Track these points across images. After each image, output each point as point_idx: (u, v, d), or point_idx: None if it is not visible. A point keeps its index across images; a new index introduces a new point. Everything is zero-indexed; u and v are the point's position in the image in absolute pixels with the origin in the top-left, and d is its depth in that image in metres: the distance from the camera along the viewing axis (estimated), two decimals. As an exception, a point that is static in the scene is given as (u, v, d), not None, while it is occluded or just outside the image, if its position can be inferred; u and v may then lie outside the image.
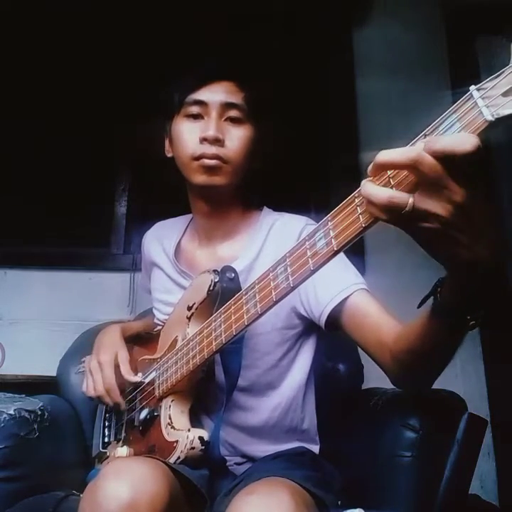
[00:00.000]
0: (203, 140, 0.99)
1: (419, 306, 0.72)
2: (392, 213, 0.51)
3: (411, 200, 0.50)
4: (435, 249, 0.56)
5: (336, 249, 0.60)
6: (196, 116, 1.02)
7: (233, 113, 1.02)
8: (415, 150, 0.49)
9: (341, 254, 0.97)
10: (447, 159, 0.48)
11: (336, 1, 2.15)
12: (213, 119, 1.00)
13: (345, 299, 0.92)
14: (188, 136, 1.01)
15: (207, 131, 0.98)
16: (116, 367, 1.03)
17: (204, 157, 0.98)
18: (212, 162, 0.98)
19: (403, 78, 2.02)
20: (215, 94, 1.01)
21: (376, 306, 0.90)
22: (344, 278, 0.94)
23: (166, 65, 1.94)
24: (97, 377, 1.03)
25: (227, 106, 1.01)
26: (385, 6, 2.17)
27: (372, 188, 0.52)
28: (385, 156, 0.51)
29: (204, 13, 2.08)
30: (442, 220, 0.50)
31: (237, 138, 1.01)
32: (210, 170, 0.99)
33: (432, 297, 0.68)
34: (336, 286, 0.93)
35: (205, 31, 2.05)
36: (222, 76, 1.03)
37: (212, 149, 0.98)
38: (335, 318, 0.94)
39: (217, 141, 0.98)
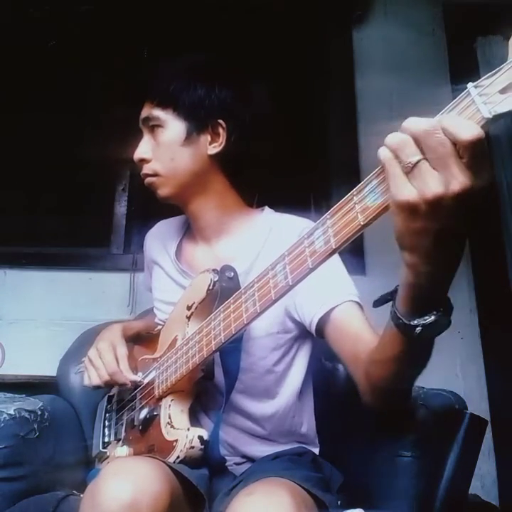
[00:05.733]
0: None
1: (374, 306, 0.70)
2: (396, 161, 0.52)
3: (419, 156, 0.50)
4: (412, 236, 0.56)
5: (334, 247, 0.60)
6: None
7: (152, 123, 1.02)
8: (431, 123, 0.50)
9: (339, 261, 0.97)
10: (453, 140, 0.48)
11: (336, 1, 2.15)
12: (141, 141, 1.04)
13: (332, 309, 0.90)
14: None
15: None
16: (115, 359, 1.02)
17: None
18: (147, 181, 1.04)
19: (403, 78, 2.02)
20: (141, 114, 1.04)
21: (360, 319, 0.89)
22: (335, 287, 0.93)
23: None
24: (97, 363, 1.02)
25: (146, 121, 1.03)
26: (385, 6, 2.17)
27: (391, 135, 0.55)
28: (407, 123, 0.53)
29: (204, 13, 2.09)
30: (435, 193, 0.49)
31: (161, 145, 1.02)
32: (151, 188, 1.04)
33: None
34: (326, 294, 0.92)
35: (201, 31, 2.05)
36: (143, 98, 1.05)
37: (143, 170, 1.03)
38: (321, 327, 0.93)
39: (143, 161, 1.03)
